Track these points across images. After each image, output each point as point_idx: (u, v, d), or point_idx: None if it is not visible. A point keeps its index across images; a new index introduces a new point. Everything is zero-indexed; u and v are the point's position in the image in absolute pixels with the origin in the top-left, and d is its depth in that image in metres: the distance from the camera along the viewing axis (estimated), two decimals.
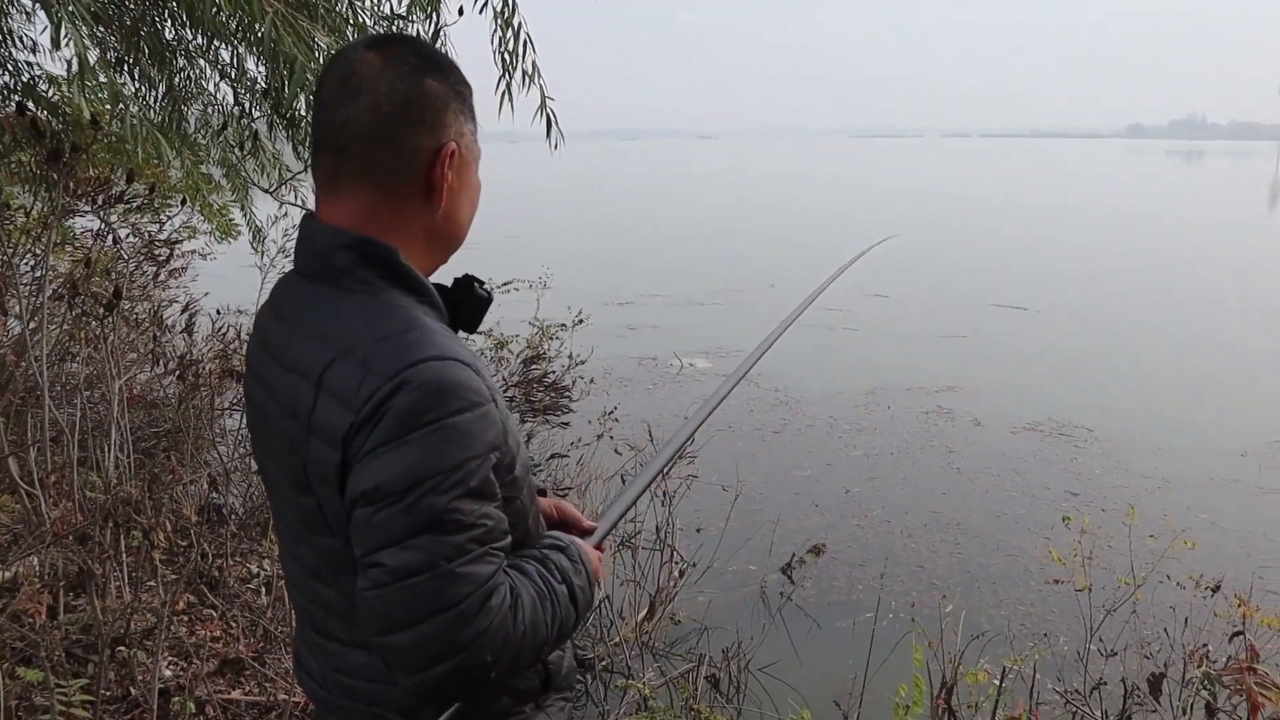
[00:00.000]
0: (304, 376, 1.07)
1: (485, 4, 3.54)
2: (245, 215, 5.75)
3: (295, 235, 1.20)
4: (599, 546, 1.33)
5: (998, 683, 2.78)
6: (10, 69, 3.95)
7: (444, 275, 1.22)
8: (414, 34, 3.80)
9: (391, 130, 1.09)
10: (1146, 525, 3.98)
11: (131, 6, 3.73)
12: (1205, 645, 2.79)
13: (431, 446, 1.00)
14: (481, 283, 1.21)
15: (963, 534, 5.35)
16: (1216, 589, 3.05)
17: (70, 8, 2.29)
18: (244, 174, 5.35)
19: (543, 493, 1.34)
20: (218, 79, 4.62)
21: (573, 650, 1.31)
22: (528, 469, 1.19)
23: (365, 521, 1.01)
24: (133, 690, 2.81)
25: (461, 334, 1.20)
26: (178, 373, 4.38)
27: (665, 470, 1.59)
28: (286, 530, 1.20)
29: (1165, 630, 3.23)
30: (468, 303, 1.19)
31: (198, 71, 4.53)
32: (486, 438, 1.04)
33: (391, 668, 1.06)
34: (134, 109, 2.81)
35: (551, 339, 5.61)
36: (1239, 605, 2.75)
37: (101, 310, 3.90)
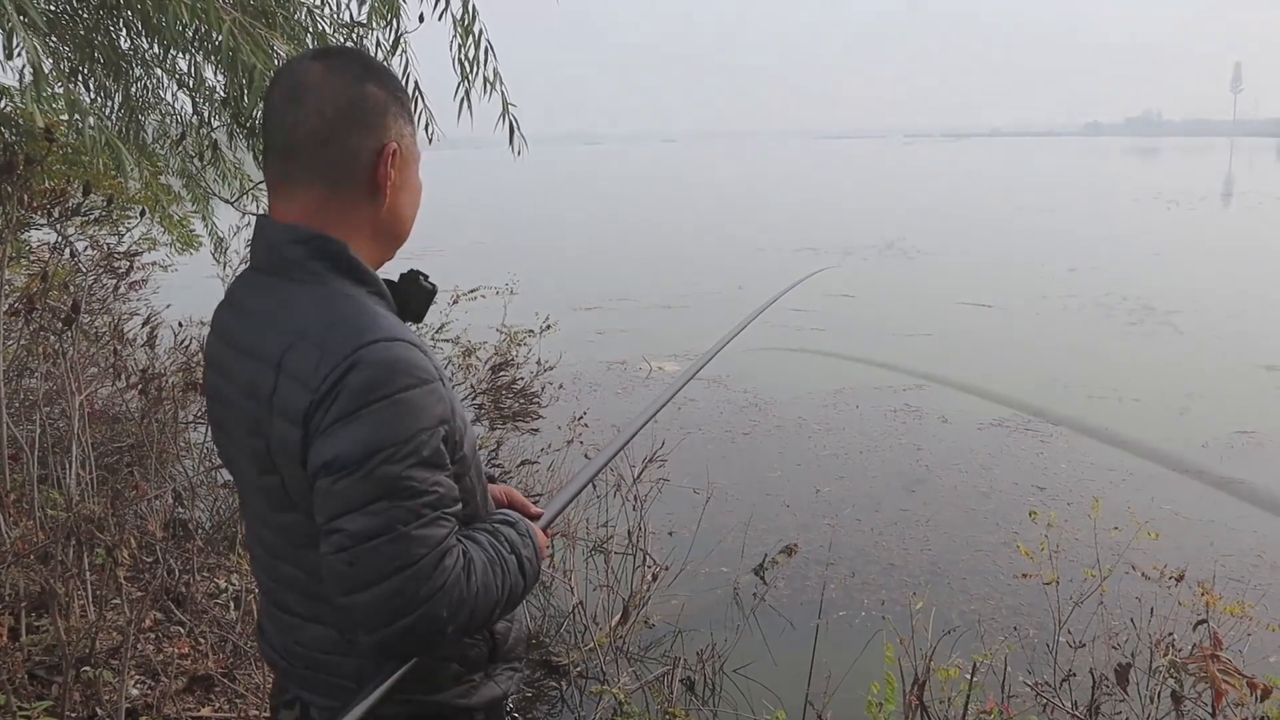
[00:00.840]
0: (264, 361, 1.13)
1: (445, 10, 3.53)
2: (207, 226, 5.68)
3: None
4: (546, 531, 1.40)
5: (969, 677, 2.80)
6: None
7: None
8: (374, 41, 3.80)
9: (336, 132, 1.16)
10: (1111, 517, 4.02)
11: (85, 15, 3.68)
12: (1170, 634, 2.82)
13: (385, 420, 1.06)
14: (425, 276, 1.28)
15: (932, 531, 5.40)
16: (1180, 579, 3.09)
17: (22, 16, 2.26)
18: (204, 184, 5.29)
19: (492, 479, 1.40)
20: (175, 88, 4.57)
21: (521, 624, 1.37)
22: (475, 448, 1.25)
23: (326, 491, 1.07)
24: (99, 711, 2.77)
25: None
26: (140, 387, 4.31)
27: (610, 463, 1.64)
28: (251, 513, 1.27)
29: (1132, 620, 3.27)
30: (414, 295, 1.26)
31: (154, 81, 4.48)
32: (435, 412, 1.11)
33: (354, 627, 1.12)
34: (91, 119, 2.77)
35: (519, 345, 5.57)
36: (1202, 594, 2.79)
37: (60, 324, 3.84)
